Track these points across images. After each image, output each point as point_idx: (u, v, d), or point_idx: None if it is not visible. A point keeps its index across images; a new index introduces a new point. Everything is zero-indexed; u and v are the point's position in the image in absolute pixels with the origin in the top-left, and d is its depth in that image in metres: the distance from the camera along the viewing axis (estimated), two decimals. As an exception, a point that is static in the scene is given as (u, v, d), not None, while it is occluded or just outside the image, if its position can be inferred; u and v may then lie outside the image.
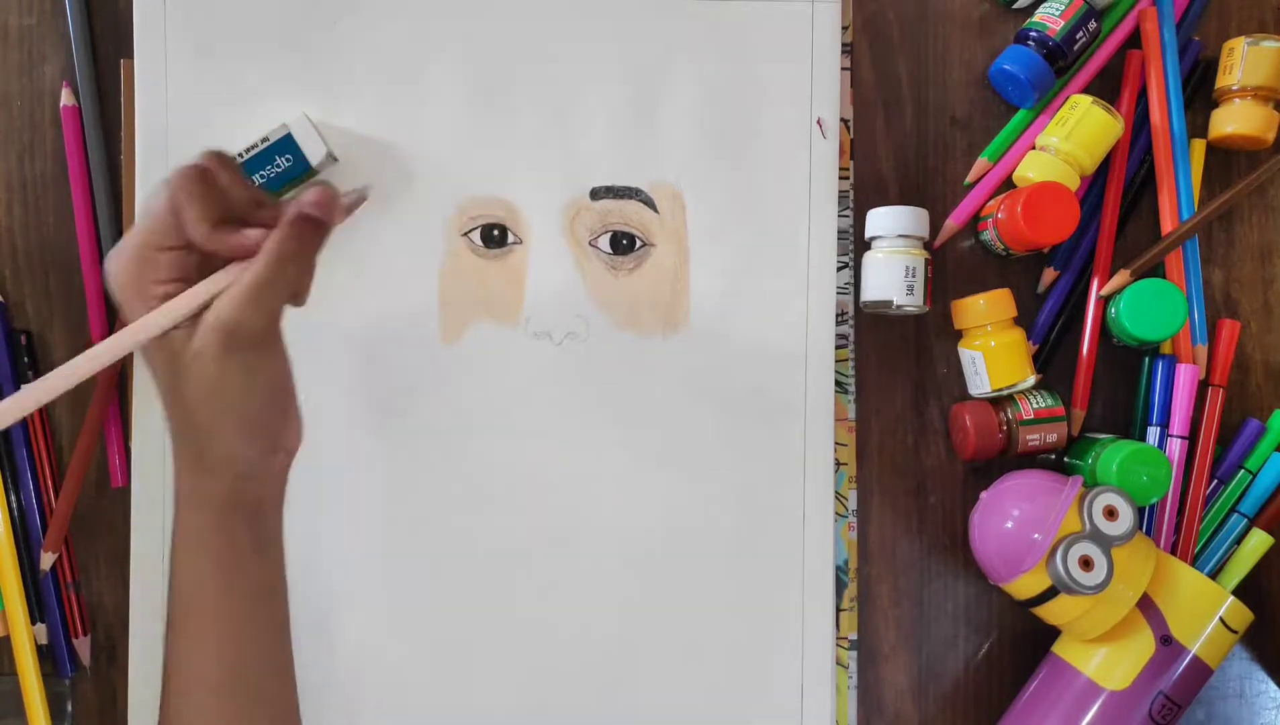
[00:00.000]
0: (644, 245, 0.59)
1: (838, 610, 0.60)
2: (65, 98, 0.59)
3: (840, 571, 0.60)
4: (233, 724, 0.48)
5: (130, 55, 0.58)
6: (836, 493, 0.60)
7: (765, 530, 0.59)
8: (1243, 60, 0.58)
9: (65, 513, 0.58)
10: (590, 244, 0.59)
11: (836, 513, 0.60)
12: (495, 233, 0.59)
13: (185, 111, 0.58)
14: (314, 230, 0.47)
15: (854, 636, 0.61)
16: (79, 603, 0.59)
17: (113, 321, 0.58)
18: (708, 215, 0.59)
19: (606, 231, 0.59)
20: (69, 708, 0.59)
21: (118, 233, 0.59)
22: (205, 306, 0.46)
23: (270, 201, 0.49)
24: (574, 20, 0.59)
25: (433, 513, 0.59)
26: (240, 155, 0.56)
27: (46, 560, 0.58)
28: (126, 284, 0.46)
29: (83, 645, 0.59)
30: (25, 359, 0.59)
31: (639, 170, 0.59)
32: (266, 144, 0.56)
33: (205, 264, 0.47)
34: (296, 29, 0.59)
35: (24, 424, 0.58)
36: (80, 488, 0.59)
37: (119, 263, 0.46)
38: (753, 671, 0.59)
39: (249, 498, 0.48)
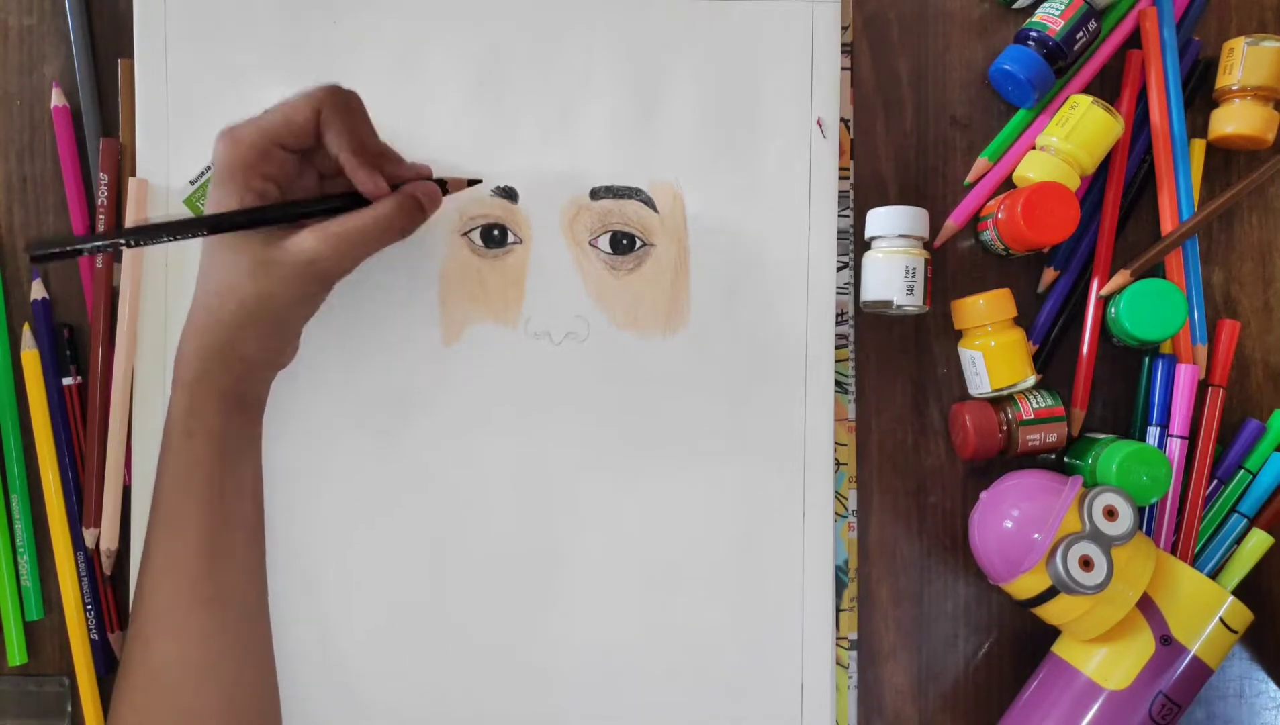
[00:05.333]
0: (644, 245, 0.59)
1: (838, 610, 0.60)
2: (56, 98, 0.59)
3: (840, 571, 0.60)
4: (208, 608, 0.50)
5: (130, 55, 0.58)
6: (836, 493, 0.60)
7: (765, 530, 0.59)
8: (1243, 60, 0.58)
9: (98, 489, 0.58)
10: (590, 244, 0.59)
11: (836, 513, 0.60)
12: (495, 233, 0.59)
13: (185, 111, 0.58)
14: (419, 216, 0.52)
15: (854, 636, 0.61)
16: (114, 597, 0.59)
17: (113, 322, 0.58)
18: (708, 215, 0.59)
19: (606, 231, 0.59)
20: (69, 708, 0.59)
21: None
22: (286, 219, 0.50)
23: (397, 159, 0.53)
24: (574, 20, 0.59)
25: (432, 512, 0.59)
26: None
27: (90, 536, 0.58)
28: (235, 164, 0.49)
29: (117, 641, 0.59)
30: (68, 352, 0.59)
31: (639, 170, 0.59)
32: None
33: (294, 179, 0.52)
34: (298, 29, 0.58)
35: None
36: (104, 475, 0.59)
37: (237, 142, 0.49)
38: (753, 671, 0.59)
39: (249, 395, 0.52)
